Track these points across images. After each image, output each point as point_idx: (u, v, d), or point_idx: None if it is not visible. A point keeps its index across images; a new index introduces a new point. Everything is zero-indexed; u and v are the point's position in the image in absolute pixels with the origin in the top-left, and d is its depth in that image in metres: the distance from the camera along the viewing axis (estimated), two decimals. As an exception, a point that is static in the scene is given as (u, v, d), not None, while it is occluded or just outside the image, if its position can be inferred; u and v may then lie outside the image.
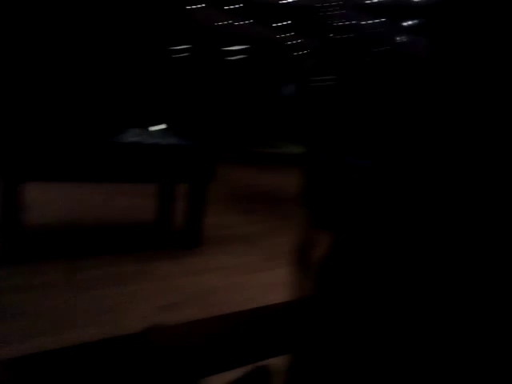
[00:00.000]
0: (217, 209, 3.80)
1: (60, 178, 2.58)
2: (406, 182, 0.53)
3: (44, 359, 0.51)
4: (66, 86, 6.14)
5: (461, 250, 0.48)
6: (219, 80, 7.50)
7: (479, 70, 0.50)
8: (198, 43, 7.56)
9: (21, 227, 2.53)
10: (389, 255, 0.52)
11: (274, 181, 5.72)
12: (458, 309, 0.48)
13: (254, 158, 7.65)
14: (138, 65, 6.72)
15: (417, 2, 6.34)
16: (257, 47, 8.67)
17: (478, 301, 0.47)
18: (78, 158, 2.57)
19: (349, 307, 0.55)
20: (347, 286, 0.56)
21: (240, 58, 8.58)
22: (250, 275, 2.79)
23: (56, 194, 3.78)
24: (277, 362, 0.65)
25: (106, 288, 2.36)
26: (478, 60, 0.50)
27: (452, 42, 0.53)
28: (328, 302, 0.58)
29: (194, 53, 7.43)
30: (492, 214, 0.47)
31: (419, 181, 0.52)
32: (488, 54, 0.50)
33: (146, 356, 0.54)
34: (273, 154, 8.19)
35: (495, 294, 0.47)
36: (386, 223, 0.54)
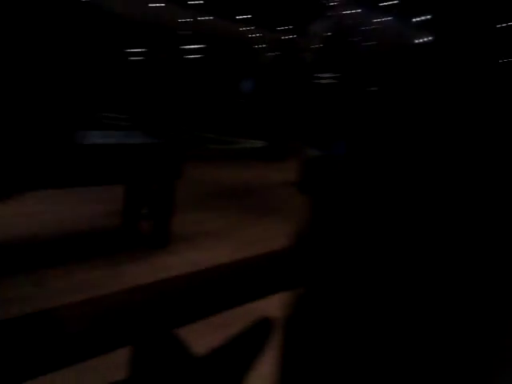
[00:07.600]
0: (184, 206, 3.64)
1: (22, 188, 2.36)
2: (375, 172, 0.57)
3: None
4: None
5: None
6: (179, 78, 7.22)
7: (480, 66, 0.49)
8: (155, 40, 7.27)
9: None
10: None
11: (235, 175, 5.78)
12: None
13: (214, 154, 7.68)
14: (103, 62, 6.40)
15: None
16: (214, 43, 8.40)
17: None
18: (38, 163, 2.32)
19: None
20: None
21: (198, 55, 8.30)
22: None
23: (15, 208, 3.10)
24: (277, 315, 0.65)
25: (77, 295, 2.22)
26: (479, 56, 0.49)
27: (456, 38, 0.49)
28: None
29: (153, 51, 7.13)
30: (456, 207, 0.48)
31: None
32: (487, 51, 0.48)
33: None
34: (232, 149, 8.23)
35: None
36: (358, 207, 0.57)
